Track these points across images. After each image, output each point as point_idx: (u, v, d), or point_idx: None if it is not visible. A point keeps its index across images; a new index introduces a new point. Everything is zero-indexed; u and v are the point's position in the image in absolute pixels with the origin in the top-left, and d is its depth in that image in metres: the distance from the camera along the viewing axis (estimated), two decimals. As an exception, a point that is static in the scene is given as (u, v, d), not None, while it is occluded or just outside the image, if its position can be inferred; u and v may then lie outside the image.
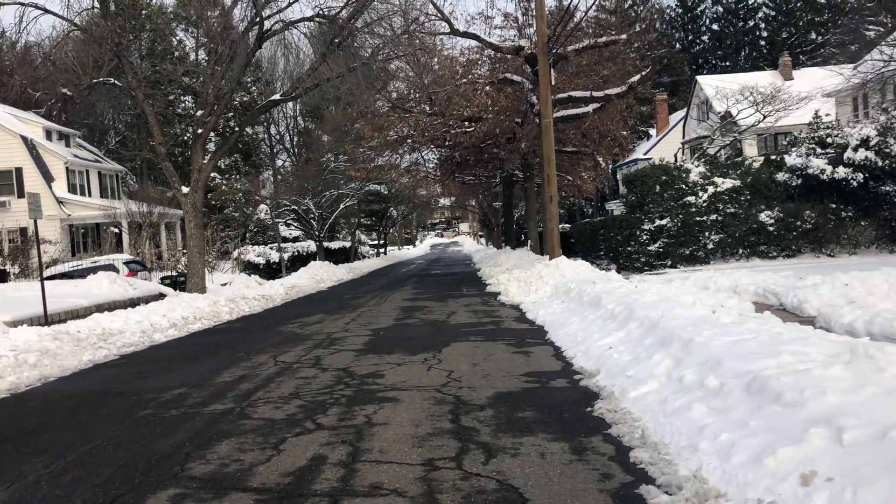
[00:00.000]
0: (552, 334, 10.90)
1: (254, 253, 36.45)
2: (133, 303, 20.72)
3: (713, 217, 21.02)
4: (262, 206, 44.88)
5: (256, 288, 24.50)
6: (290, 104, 59.48)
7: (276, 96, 22.11)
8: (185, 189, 20.97)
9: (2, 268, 29.81)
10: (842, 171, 19.94)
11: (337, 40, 20.93)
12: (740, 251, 21.14)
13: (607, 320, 10.14)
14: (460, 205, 77.97)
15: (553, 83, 21.75)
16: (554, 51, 22.26)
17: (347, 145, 35.35)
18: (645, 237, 21.20)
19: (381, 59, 21.24)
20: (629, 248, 21.41)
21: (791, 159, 21.86)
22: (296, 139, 60.86)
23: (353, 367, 8.57)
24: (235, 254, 34.73)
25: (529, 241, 30.64)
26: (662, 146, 52.78)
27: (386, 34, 21.14)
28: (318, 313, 16.23)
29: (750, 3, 68.27)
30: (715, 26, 70.47)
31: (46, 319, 13.89)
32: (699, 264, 21.12)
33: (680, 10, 70.24)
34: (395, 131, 32.34)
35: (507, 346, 9.95)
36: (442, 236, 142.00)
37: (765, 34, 68.63)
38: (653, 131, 58.07)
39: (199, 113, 21.05)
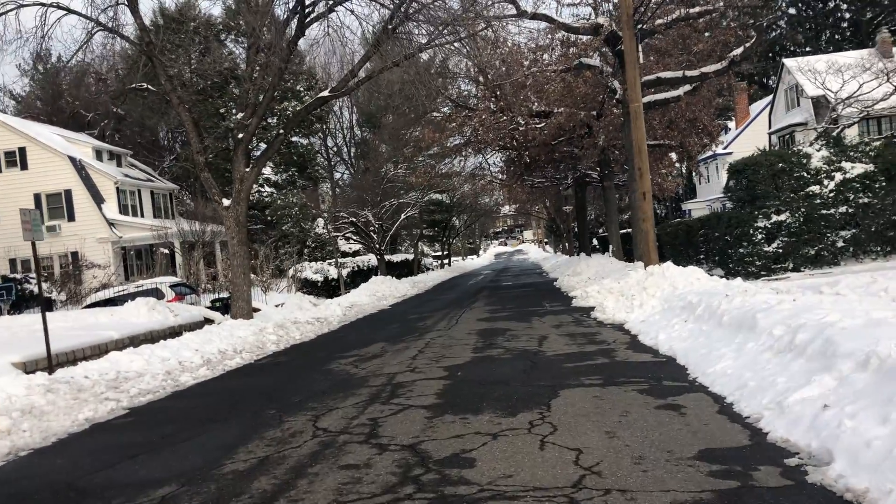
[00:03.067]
0: (696, 371, 7.89)
1: (311, 270, 34.18)
2: (174, 332, 18.46)
3: (842, 209, 17.56)
4: (320, 220, 42.82)
5: (310, 310, 22.06)
6: (347, 114, 57.70)
7: (325, 93, 19.61)
8: (226, 202, 18.62)
9: (47, 295, 28.17)
10: None
11: (390, 26, 18.36)
12: (877, 249, 17.61)
13: (782, 353, 7.09)
14: (524, 211, 74.84)
15: (640, 61, 18.68)
16: (640, 25, 19.21)
17: (406, 150, 32.77)
18: (760, 236, 17.86)
19: (440, 44, 18.47)
20: (741, 250, 18.09)
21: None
22: (353, 150, 58.85)
23: (426, 444, 5.72)
24: (291, 271, 32.48)
25: (611, 247, 27.47)
26: (744, 139, 48.71)
27: (445, 17, 18.43)
28: (378, 341, 13.51)
29: (830, -19, 63.36)
30: (792, 10, 65.70)
31: (50, 363, 11.52)
32: (826, 266, 17.70)
33: (745, 9, 65.61)
34: (458, 133, 29.56)
35: (640, 393, 7.00)
36: (506, 244, 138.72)
37: (847, 15, 63.59)
38: (731, 124, 53.93)
39: (240, 115, 18.70)
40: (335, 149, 58.88)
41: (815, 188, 17.67)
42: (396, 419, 6.62)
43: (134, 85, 19.66)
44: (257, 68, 19.01)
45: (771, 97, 46.38)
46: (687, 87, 21.28)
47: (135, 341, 16.61)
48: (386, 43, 18.76)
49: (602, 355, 9.53)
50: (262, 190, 47.73)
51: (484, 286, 31.78)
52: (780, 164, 17.86)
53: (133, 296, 23.54)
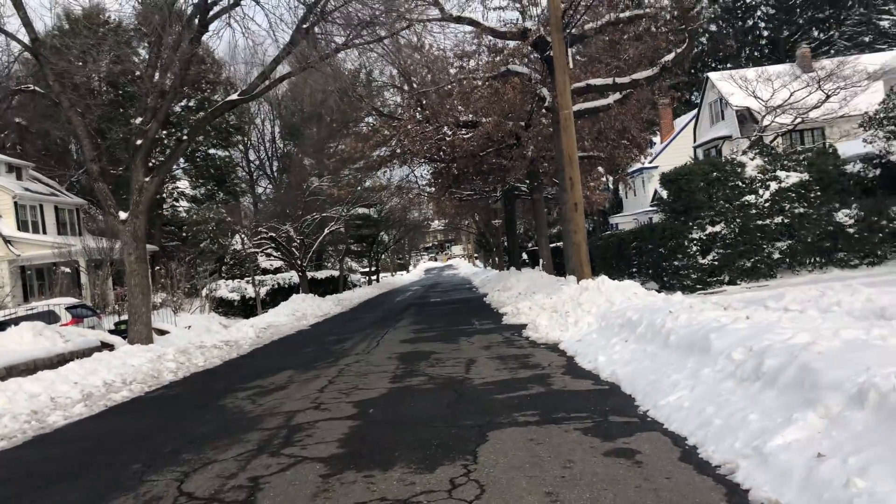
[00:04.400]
0: (646, 402, 6.79)
1: (227, 288, 32.20)
2: (63, 359, 16.46)
3: (778, 220, 17.01)
4: (239, 236, 40.78)
5: (219, 332, 20.34)
6: (269, 126, 55.68)
7: (234, 96, 18.06)
8: (122, 215, 16.83)
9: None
10: (936, 156, 16.00)
11: (305, 25, 17.02)
12: (813, 260, 17.12)
13: (747, 381, 6.05)
14: (454, 226, 73.93)
15: (570, 66, 17.84)
16: (569, 30, 18.38)
17: (328, 159, 31.27)
18: (694, 248, 17.15)
19: (359, 45, 17.22)
20: (675, 263, 17.33)
21: (854, 147, 17.96)
22: (276, 164, 56.81)
23: (315, 517, 4.39)
24: (205, 290, 30.45)
25: (541, 260, 26.58)
26: (670, 153, 49.05)
27: (363, 17, 17.20)
28: (287, 368, 12.04)
29: (748, 1, 65.02)
30: (713, 27, 67.10)
31: None
32: (763, 278, 17.10)
33: (676, 13, 66.74)
34: (385, 145, 28.21)
35: (585, 433, 5.82)
36: (436, 260, 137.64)
37: (765, 33, 65.32)
38: (656, 139, 54.31)
39: (139, 121, 16.98)
40: (257, 162, 56.78)
41: (751, 198, 17.08)
42: (284, 479, 5.24)
43: (20, 87, 17.64)
44: (157, 69, 17.33)
45: (695, 111, 46.79)
46: (617, 96, 20.58)
47: (12, 372, 14.63)
48: (300, 43, 17.42)
49: (537, 382, 8.35)
50: (178, 205, 45.39)
51: (412, 303, 30.48)
52: (715, 173, 17.22)
53: (20, 319, 21.33)
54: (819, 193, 17.05)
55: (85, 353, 16.93)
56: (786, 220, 17.06)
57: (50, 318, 22.23)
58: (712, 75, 40.67)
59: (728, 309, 9.84)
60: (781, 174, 17.15)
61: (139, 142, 16.90)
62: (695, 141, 43.89)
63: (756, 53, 63.60)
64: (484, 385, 8.49)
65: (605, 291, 13.43)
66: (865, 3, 56.32)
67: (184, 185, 48.34)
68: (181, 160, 44.63)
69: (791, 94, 23.24)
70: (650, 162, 49.21)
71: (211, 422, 7.89)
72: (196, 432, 7.43)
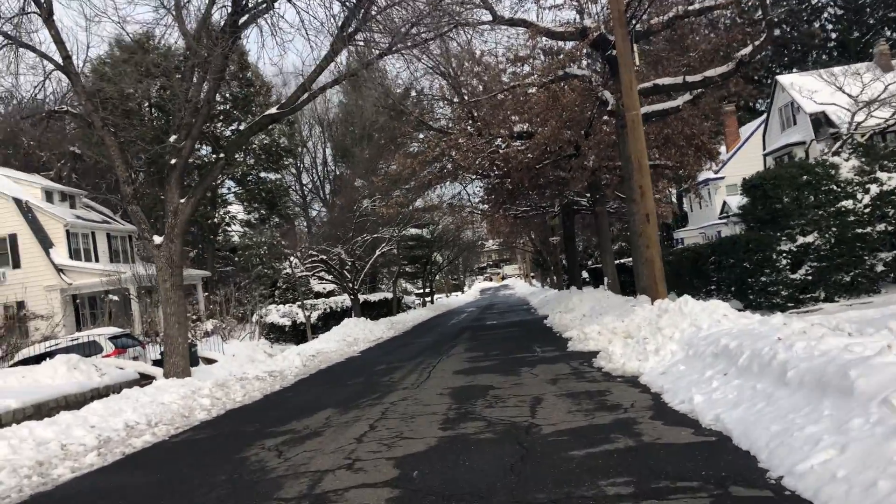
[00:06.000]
0: (777, 465, 5.12)
1: (277, 313, 31.20)
2: (97, 394, 15.56)
3: (881, 227, 14.97)
4: (293, 260, 39.96)
5: (263, 361, 19.17)
6: (321, 149, 55.16)
7: (273, 109, 16.96)
8: (157, 239, 15.81)
9: (-25, 351, 25.02)
10: None
11: (346, 31, 15.82)
12: (922, 273, 15.02)
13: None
14: (509, 244, 72.29)
15: (637, 63, 16.20)
16: (633, 22, 16.79)
17: (377, 178, 30.10)
18: (784, 261, 15.20)
19: (402, 49, 15.94)
20: (762, 279, 15.39)
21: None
22: (329, 186, 56.21)
23: None
24: (255, 316, 29.50)
25: (606, 279, 24.79)
26: (737, 162, 46.68)
27: (408, 18, 15.94)
28: (328, 406, 10.63)
29: (814, 2, 62.10)
30: (777, 31, 64.31)
31: None
32: (864, 294, 15.06)
33: (723, 32, 64.17)
34: (434, 161, 26.84)
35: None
36: (491, 280, 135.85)
37: (833, 35, 62.24)
38: (721, 148, 51.83)
39: (173, 138, 15.98)
40: (310, 185, 56.29)
41: (848, 203, 15.08)
42: None
43: (54, 109, 16.91)
44: (194, 83, 16.35)
45: (763, 118, 44.35)
46: (687, 97, 18.83)
47: (42, 410, 13.70)
48: (342, 52, 16.27)
49: (622, 431, 6.72)
50: (230, 229, 44.99)
51: (467, 326, 28.94)
52: (805, 177, 15.28)
53: (63, 350, 20.57)
54: (927, 196, 15.01)
55: (122, 386, 15.93)
56: (890, 228, 15.01)
57: (92, 348, 21.49)
58: (781, 79, 38.32)
59: (854, 335, 8.07)
60: (882, 175, 15.13)
61: (173, 161, 15.91)
62: (764, 148, 41.46)
63: (824, 56, 60.56)
64: (555, 435, 6.90)
65: (688, 313, 11.67)
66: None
67: (236, 209, 48.02)
68: (233, 184, 44.27)
69: (886, 88, 21.04)
70: (716, 172, 46.87)
71: (222, 485, 6.49)
72: (209, 496, 6.04)
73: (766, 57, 23.34)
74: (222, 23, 15.87)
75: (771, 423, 5.97)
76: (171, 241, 15.73)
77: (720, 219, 43.05)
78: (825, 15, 62.74)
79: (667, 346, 10.94)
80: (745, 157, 46.05)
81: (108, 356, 21.18)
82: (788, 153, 36.18)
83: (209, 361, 23.11)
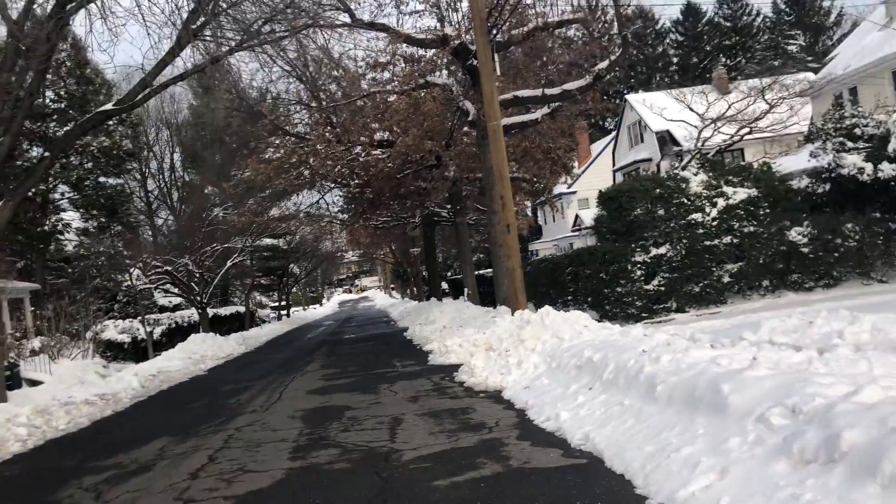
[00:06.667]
0: (656, 494, 4.75)
1: (115, 329, 28.80)
2: None
3: (727, 239, 15.57)
4: (135, 271, 37.19)
5: (95, 383, 17.34)
6: (168, 154, 52.10)
7: (109, 105, 15.41)
8: (-33, 246, 13.85)
9: None
10: (889, 169, 14.88)
11: (193, 25, 14.61)
12: (764, 283, 15.73)
13: (814, 464, 4.11)
14: (369, 256, 71.48)
15: (498, 73, 16.06)
16: (494, 35, 16.67)
17: (228, 185, 28.55)
18: (639, 272, 15.49)
19: (254, 45, 14.95)
20: (618, 289, 15.61)
21: (797, 163, 16.85)
22: (178, 193, 53.12)
23: None
24: (89, 333, 26.99)
25: (466, 290, 24.62)
26: (588, 177, 48.50)
27: (258, 13, 14.97)
28: (163, 435, 9.48)
29: (658, 27, 66.01)
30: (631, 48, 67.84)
31: None
32: (713, 304, 15.59)
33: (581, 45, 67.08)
34: (292, 167, 25.69)
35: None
36: (350, 292, 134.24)
37: (675, 59, 66.44)
38: (574, 163, 53.71)
39: (-12, 133, 14.07)
40: (156, 192, 52.95)
41: (697, 216, 15.60)
42: None
43: None
44: (14, 74, 14.52)
45: (613, 135, 46.36)
46: (545, 110, 19.00)
47: None
48: (188, 45, 15.00)
49: (488, 455, 6.21)
50: (63, 238, 41.39)
51: (324, 340, 27.93)
52: (658, 190, 15.67)
53: None
54: (768, 210, 15.77)
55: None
56: (735, 240, 15.67)
57: None
58: (630, 97, 40.17)
59: (714, 346, 8.03)
60: (728, 190, 15.79)
61: (-12, 159, 14.01)
62: (614, 165, 43.27)
63: (667, 79, 64.47)
64: (417, 461, 6.28)
65: (550, 325, 11.46)
66: (772, 29, 57.86)
67: (71, 216, 44.26)
68: (67, 189, 40.77)
69: (729, 106, 22.27)
70: (569, 187, 48.44)
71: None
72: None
73: (620, 73, 24.05)
74: (49, 7, 14.22)
75: (644, 442, 5.65)
76: (-16, 249, 13.82)
77: (573, 231, 44.43)
78: (667, 40, 66.82)
79: (529, 358, 10.65)
80: (596, 173, 47.95)
81: None
82: (636, 169, 37.87)
83: (34, 383, 20.78)
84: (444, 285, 43.12)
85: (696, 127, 22.48)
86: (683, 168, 17.57)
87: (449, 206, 27.50)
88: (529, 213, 52.14)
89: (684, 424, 5.59)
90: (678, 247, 15.57)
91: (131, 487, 6.63)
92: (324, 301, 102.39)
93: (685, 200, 15.74)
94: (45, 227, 38.72)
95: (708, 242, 15.64)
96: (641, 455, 5.40)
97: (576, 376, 8.76)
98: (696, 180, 16.02)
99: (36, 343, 27.71)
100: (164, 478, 6.81)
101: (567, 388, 8.42)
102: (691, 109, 23.04)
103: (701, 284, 15.66)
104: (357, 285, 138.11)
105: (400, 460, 6.39)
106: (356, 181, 26.38)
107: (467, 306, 22.13)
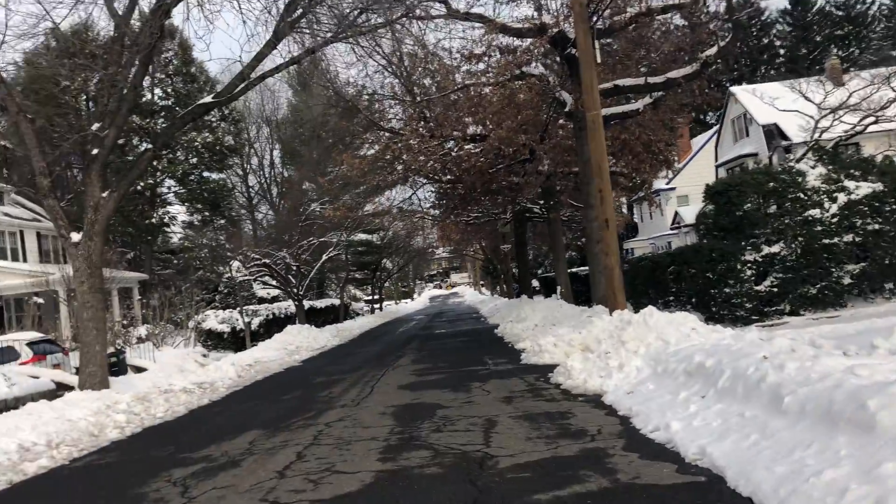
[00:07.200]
0: (790, 523, 4.13)
1: (216, 319, 29.59)
2: (7, 406, 13.97)
3: (848, 238, 14.39)
4: (235, 263, 38.28)
5: (194, 371, 17.73)
6: (268, 150, 53.45)
7: (208, 98, 15.65)
8: (75, 237, 14.32)
9: None
10: None
11: (289, 17, 14.64)
12: (888, 286, 14.46)
13: None
14: (459, 252, 71.33)
15: (598, 61, 15.36)
16: (594, 18, 15.97)
17: (323, 179, 28.81)
18: (749, 272, 14.51)
19: (348, 37, 14.83)
20: (726, 290, 14.67)
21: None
22: (276, 189, 54.46)
23: None
24: (191, 323, 27.85)
25: (559, 288, 23.94)
26: (688, 173, 46.61)
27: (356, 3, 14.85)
28: (254, 427, 9.40)
29: (763, 18, 62.87)
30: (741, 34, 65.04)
31: None
32: (830, 308, 14.45)
33: (688, 31, 64.65)
34: (387, 163, 25.64)
35: None
36: (440, 287, 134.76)
37: (781, 51, 63.15)
38: (674, 158, 51.82)
39: (95, 126, 14.54)
40: (257, 187, 54.47)
41: (815, 212, 14.47)
42: None
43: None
44: (120, 67, 14.93)
45: (715, 130, 44.44)
46: (647, 100, 18.13)
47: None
48: (285, 38, 15.06)
49: (592, 467, 5.70)
50: (169, 230, 43.10)
51: (415, 334, 27.83)
52: (771, 184, 14.63)
53: (-29, 358, 18.76)
54: (895, 207, 14.48)
55: (34, 398, 14.39)
56: (857, 239, 14.46)
57: (8, 355, 19.69)
58: (735, 90, 38.29)
59: (848, 354, 7.22)
60: (850, 184, 14.59)
61: (95, 151, 14.46)
62: (716, 160, 41.42)
63: (772, 72, 61.36)
64: (514, 470, 5.84)
65: (654, 326, 10.77)
66: (889, 18, 54.22)
67: (177, 210, 46.05)
68: (173, 183, 42.36)
69: (850, 94, 20.69)
70: (668, 183, 46.75)
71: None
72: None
73: (724, 64, 22.82)
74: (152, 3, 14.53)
75: (773, 461, 5.01)
76: (91, 238, 14.25)
77: (672, 229, 42.86)
78: (773, 31, 63.58)
79: (631, 361, 10.01)
80: (696, 169, 46.05)
81: (24, 363, 19.46)
82: (741, 164, 36.08)
83: (139, 370, 21.53)
84: (535, 283, 42.44)
85: (811, 117, 21.01)
86: (798, 161, 16.39)
87: (542, 202, 26.85)
88: (625, 210, 50.77)
89: (822, 443, 4.92)
90: (793, 245, 14.49)
91: (218, 483, 6.47)
92: (415, 296, 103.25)
93: (801, 195, 14.63)
94: (153, 220, 40.36)
95: (827, 241, 14.49)
96: (773, 477, 4.78)
97: (685, 383, 8.11)
98: (814, 174, 14.87)
99: (142, 331, 28.84)
100: (251, 475, 6.62)
101: (676, 396, 7.78)
102: (807, 99, 21.55)
103: (818, 286, 14.52)
104: (447, 281, 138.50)
105: (496, 467, 5.96)
106: (448, 177, 26.10)
107: (560, 304, 21.50)
